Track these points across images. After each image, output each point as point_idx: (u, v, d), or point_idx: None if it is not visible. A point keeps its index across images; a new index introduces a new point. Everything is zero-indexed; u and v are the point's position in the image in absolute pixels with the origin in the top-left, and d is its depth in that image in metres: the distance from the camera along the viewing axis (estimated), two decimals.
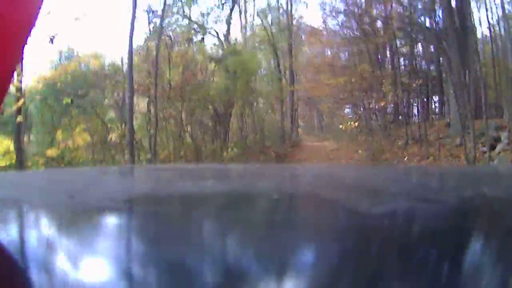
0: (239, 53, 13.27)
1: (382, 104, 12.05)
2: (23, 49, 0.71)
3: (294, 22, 20.63)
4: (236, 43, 14.92)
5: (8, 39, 0.63)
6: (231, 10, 15.75)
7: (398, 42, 16.10)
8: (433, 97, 16.60)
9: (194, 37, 14.07)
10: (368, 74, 15.24)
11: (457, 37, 10.29)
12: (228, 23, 15.40)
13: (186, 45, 13.63)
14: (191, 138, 12.73)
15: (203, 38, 14.29)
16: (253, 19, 20.15)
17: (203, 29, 14.21)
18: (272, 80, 20.26)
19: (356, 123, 11.06)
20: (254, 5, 22.37)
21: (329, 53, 20.80)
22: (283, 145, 15.54)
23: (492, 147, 9.56)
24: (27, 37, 0.69)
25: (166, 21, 13.59)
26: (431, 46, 14.86)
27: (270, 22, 19.76)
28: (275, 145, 14.85)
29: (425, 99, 16.50)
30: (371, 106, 14.33)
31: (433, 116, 15.75)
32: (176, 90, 11.79)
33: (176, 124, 12.36)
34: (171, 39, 13.18)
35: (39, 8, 0.69)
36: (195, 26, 14.62)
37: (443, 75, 14.79)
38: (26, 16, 0.66)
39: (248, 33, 20.05)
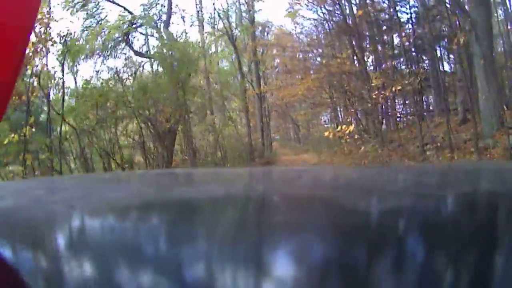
0: (172, 44, 9.86)
1: (377, 100, 8.80)
2: (24, 52, 0.72)
3: (259, 21, 17.77)
4: (179, 36, 11.47)
5: (10, 44, 0.64)
6: None
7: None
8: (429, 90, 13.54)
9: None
10: (350, 65, 12.29)
11: None
12: (169, 13, 12.04)
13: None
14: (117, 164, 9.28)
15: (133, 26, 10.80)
16: (213, 18, 17.17)
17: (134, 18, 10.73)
18: (234, 86, 17.21)
19: (352, 128, 7.71)
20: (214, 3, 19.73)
21: (301, 56, 17.85)
22: (251, 164, 12.24)
23: None
24: (27, 41, 0.71)
25: None
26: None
27: (228, 19, 16.64)
28: (240, 165, 11.54)
29: (419, 94, 13.45)
30: (355, 108, 11.34)
31: (432, 113, 12.70)
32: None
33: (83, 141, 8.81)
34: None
35: (37, 12, 0.71)
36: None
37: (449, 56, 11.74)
38: (26, 21, 0.66)
39: (205, 33, 17.04)
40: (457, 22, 10.21)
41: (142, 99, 8.80)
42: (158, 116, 9.70)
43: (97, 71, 9.63)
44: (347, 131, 7.14)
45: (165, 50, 9.76)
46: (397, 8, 14.33)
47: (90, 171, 9.00)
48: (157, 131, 10.21)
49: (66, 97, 9.21)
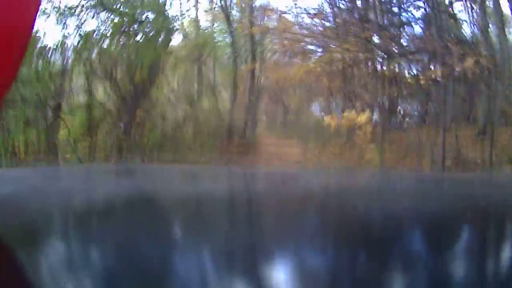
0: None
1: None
2: (23, 53, 0.72)
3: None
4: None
5: (11, 45, 0.63)
6: None
7: None
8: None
9: None
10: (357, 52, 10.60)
11: None
12: None
13: None
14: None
15: None
16: None
17: None
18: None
19: (365, 116, 5.47)
20: None
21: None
22: (227, 145, 10.57)
23: None
24: (27, 42, 0.73)
25: None
26: None
27: None
28: (213, 144, 9.83)
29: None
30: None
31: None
32: None
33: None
34: None
35: (37, 13, 0.73)
36: None
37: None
38: (26, 21, 0.67)
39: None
40: None
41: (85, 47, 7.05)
42: (116, 73, 7.94)
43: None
44: (359, 120, 5.10)
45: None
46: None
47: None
48: (120, 92, 8.43)
49: None
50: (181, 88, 10.56)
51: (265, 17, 18.08)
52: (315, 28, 15.35)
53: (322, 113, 20.63)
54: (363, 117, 4.92)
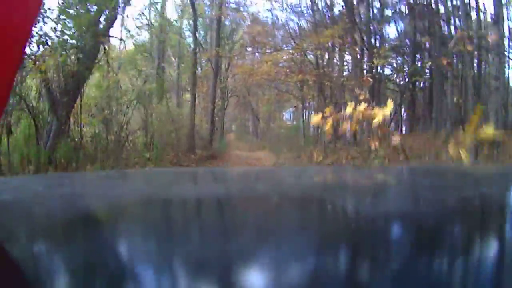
0: None
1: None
2: (23, 53, 0.70)
3: None
4: None
5: (9, 44, 0.63)
6: None
7: None
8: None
9: None
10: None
11: None
12: None
13: None
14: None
15: None
16: None
17: None
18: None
19: (388, 111, 3.63)
20: None
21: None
22: (187, 155, 8.89)
23: None
24: (27, 42, 0.69)
25: None
26: None
27: None
28: (171, 156, 8.13)
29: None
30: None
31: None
32: None
33: None
34: None
35: (38, 13, 0.70)
36: None
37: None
38: (26, 21, 0.66)
39: None
40: None
41: None
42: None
43: None
44: (374, 118, 3.31)
45: None
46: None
47: None
48: (48, 87, 6.62)
49: None
50: (135, 85, 8.86)
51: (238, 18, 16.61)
52: (290, 24, 14.18)
53: (289, 121, 19.27)
54: (386, 111, 3.14)
